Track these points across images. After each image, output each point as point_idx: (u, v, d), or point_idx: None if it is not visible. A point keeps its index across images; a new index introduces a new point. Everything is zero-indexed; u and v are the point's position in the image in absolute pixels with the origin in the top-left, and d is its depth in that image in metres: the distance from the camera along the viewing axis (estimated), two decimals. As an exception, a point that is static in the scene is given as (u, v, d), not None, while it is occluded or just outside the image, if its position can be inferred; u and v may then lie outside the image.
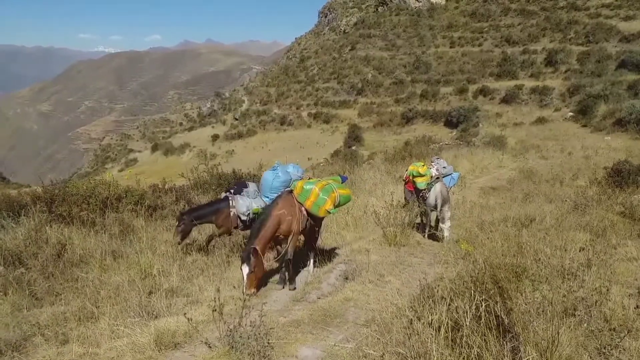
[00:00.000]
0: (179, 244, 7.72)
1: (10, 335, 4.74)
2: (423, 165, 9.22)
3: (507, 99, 43.44)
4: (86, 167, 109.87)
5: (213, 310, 4.17)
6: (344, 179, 7.51)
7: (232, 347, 3.89)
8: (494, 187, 13.58)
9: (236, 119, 74.50)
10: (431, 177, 8.99)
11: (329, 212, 6.71)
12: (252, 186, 8.25)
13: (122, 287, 5.81)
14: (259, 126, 66.24)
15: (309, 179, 7.41)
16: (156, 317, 5.13)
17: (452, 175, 9.48)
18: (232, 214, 7.97)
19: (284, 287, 6.46)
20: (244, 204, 7.92)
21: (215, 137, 66.30)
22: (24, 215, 7.73)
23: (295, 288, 6.38)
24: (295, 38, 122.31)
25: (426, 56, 65.92)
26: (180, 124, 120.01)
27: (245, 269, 5.71)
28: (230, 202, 8.03)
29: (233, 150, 56.40)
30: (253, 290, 5.77)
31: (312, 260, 7.13)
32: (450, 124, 40.92)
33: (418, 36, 72.76)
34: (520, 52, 55.88)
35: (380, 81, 63.29)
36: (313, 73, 79.00)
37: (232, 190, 8.33)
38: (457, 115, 40.06)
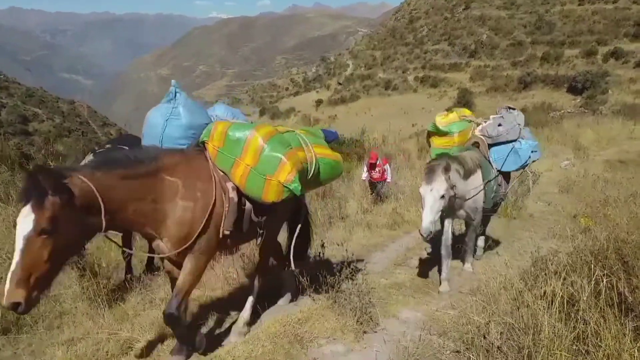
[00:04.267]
0: None
1: (139, 274, 5.40)
2: (447, 114, 5.64)
3: (645, 63, 38.42)
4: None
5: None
6: (329, 135, 4.29)
7: (335, 301, 4.06)
8: (622, 160, 12.26)
9: (340, 84, 74.79)
10: (460, 139, 5.45)
11: (289, 190, 3.37)
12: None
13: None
14: (363, 91, 65.88)
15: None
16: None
17: (516, 146, 5.33)
18: None
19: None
20: None
21: (319, 102, 67.36)
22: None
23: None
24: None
25: (550, 15, 60.30)
26: (287, 88, 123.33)
27: None
28: None
29: (336, 115, 56.94)
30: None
31: (249, 301, 4.00)
32: (574, 90, 37.34)
33: (542, -8, 66.49)
34: (666, 7, 48.73)
35: (496, 42, 59.29)
36: (422, 35, 76.19)
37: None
38: (583, 80, 36.37)
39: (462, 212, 5.05)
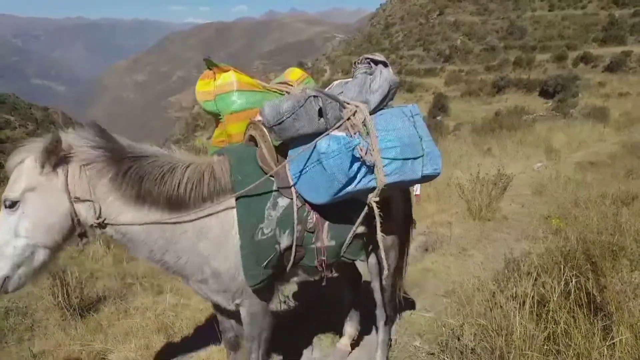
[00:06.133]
0: None
1: (113, 283, 5.30)
2: (216, 74, 2.72)
3: (612, 67, 39.52)
4: (178, 134, 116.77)
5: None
6: None
7: (312, 306, 4.05)
8: (593, 162, 12.58)
9: (319, 89, 74.98)
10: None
11: None
12: None
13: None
14: (341, 96, 66.15)
15: None
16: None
17: (321, 147, 2.28)
18: None
19: None
20: None
21: (298, 107, 67.26)
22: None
23: None
24: (380, 4, 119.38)
25: (521, 20, 61.65)
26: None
27: None
28: None
29: (315, 119, 56.92)
30: None
31: None
32: (545, 94, 38.14)
33: (513, -1, 68.09)
34: (631, 14, 50.46)
35: (470, 48, 60.25)
36: (397, 40, 77.02)
37: None
38: (554, 84, 37.17)
39: (198, 281, 2.47)
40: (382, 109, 2.59)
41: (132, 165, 2.20)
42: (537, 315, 2.64)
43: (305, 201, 2.46)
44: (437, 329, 3.30)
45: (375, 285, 3.13)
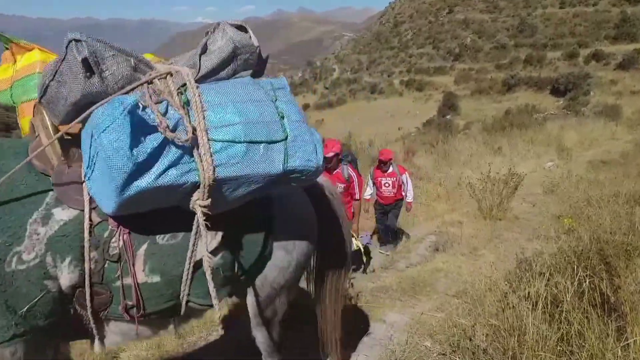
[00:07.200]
0: None
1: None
2: (15, 56, 2.15)
3: (625, 65, 39.04)
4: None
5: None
6: None
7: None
8: (605, 160, 12.45)
9: (326, 88, 75.02)
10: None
11: None
12: None
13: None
14: (349, 95, 66.08)
15: None
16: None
17: (97, 139, 1.49)
18: None
19: None
20: None
21: (305, 107, 67.29)
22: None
23: None
24: (389, 2, 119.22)
25: (532, 18, 61.23)
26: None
27: None
28: None
29: (322, 119, 56.96)
30: None
31: None
32: (557, 92, 37.79)
33: (523, -4, 67.66)
34: (644, 10, 49.76)
35: (480, 46, 59.95)
36: (407, 39, 76.82)
37: None
38: (565, 82, 36.82)
39: None
40: (223, 79, 1.88)
41: None
42: (550, 315, 2.62)
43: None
44: (449, 329, 3.28)
45: (256, 334, 2.36)
